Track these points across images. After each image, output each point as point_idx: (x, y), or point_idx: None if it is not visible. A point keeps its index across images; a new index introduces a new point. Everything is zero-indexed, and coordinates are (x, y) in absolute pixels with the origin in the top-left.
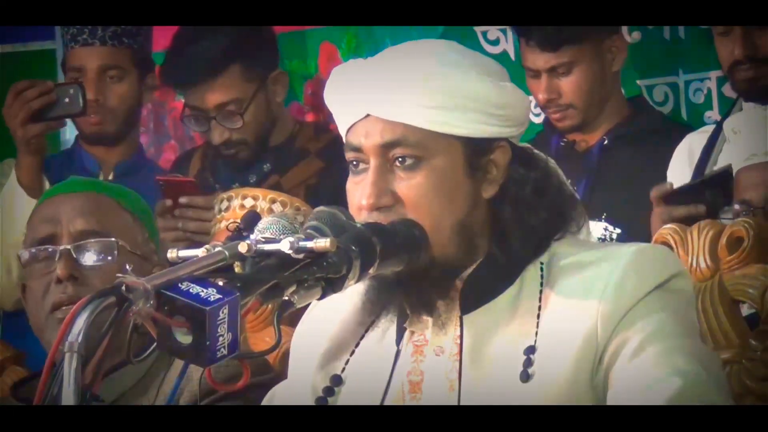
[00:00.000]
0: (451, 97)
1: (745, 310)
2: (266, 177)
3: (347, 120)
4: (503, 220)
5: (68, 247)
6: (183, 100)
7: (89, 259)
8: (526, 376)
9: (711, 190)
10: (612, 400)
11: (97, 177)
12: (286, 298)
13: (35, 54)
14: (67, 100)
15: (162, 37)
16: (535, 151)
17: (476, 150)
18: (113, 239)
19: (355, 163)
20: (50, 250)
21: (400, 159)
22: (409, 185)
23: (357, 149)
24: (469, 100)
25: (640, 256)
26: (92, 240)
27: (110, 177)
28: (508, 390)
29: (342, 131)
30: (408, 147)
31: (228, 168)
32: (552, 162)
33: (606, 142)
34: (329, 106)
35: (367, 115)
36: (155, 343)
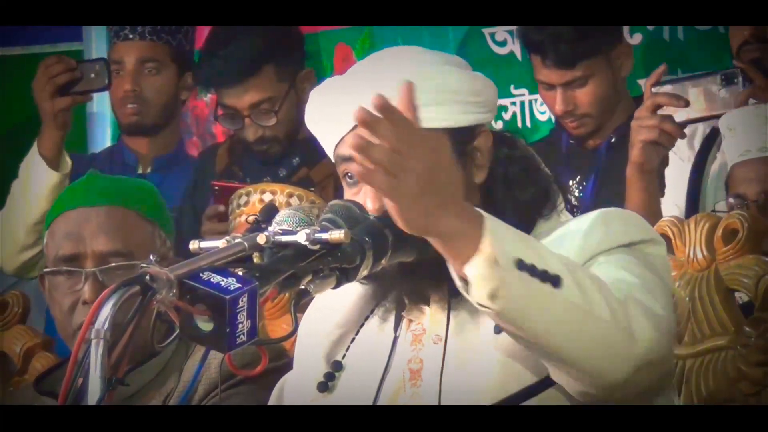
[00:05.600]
0: (431, 93)
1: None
2: (296, 170)
3: (335, 135)
4: (497, 201)
5: (95, 270)
6: (204, 99)
7: (114, 281)
8: (498, 329)
9: (696, 89)
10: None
11: (136, 170)
12: (303, 287)
13: (63, 54)
14: (93, 75)
15: (203, 38)
16: (513, 133)
17: (461, 138)
18: (136, 262)
19: (350, 175)
20: (75, 271)
21: None
22: None
23: (349, 160)
24: (451, 93)
25: (608, 214)
26: (117, 263)
27: (148, 171)
28: (485, 343)
29: (329, 149)
30: None
31: (258, 163)
32: (522, 141)
33: (613, 140)
34: (312, 129)
35: (356, 125)
36: (178, 331)
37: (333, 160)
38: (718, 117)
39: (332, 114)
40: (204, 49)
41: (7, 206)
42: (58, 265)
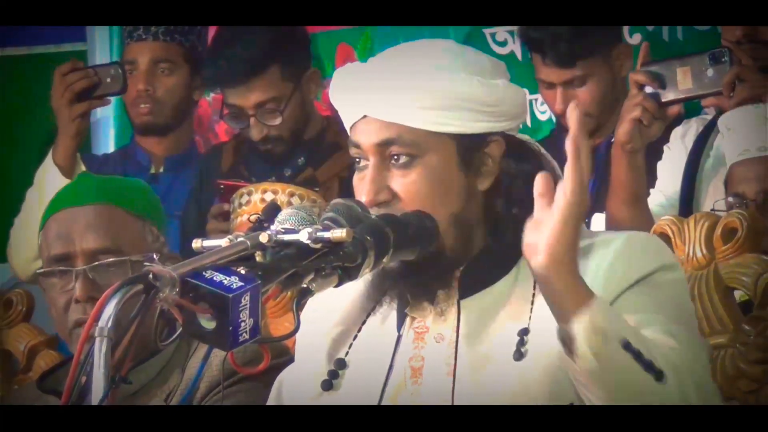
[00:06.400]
0: (441, 99)
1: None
2: (301, 170)
3: (349, 119)
4: (496, 212)
5: (84, 268)
6: (207, 98)
7: (105, 278)
8: (518, 355)
9: (684, 68)
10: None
11: (149, 170)
12: (305, 285)
13: (67, 55)
14: (108, 79)
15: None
16: (530, 143)
17: (469, 145)
18: (126, 258)
19: (357, 159)
20: (66, 270)
21: (395, 157)
22: (404, 182)
23: (357, 146)
24: (459, 100)
25: (627, 245)
26: (106, 260)
27: (160, 170)
28: (501, 368)
29: (346, 128)
30: (402, 146)
31: (263, 162)
32: (547, 155)
33: (613, 139)
34: (334, 105)
35: (365, 116)
36: (181, 329)
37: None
38: (704, 96)
39: (349, 99)
40: (210, 48)
41: (22, 214)
42: (50, 265)
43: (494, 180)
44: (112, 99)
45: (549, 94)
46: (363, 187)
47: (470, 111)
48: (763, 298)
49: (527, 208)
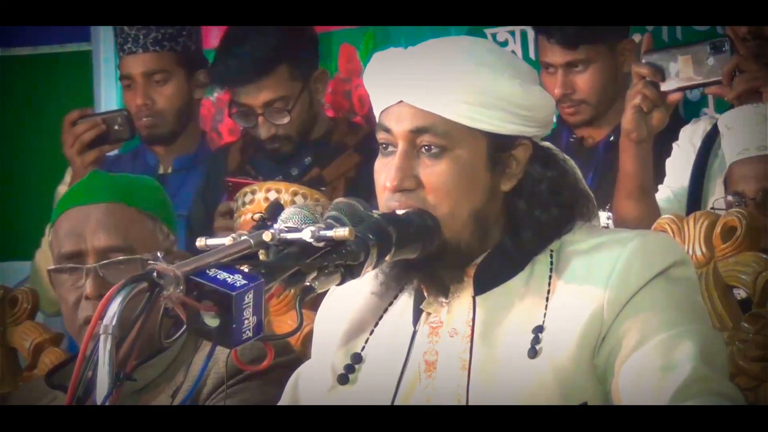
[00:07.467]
0: (481, 95)
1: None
2: (308, 170)
3: (382, 103)
4: (517, 214)
5: (95, 266)
6: (210, 98)
7: (115, 276)
8: (533, 353)
9: (684, 57)
10: (617, 389)
11: (157, 171)
12: (308, 283)
13: (71, 55)
14: (116, 127)
15: (211, 36)
16: (554, 150)
17: (499, 145)
18: (137, 256)
19: (384, 144)
20: (77, 268)
21: (426, 146)
22: (432, 172)
23: (387, 131)
24: (498, 99)
25: (643, 243)
26: (117, 258)
27: (169, 171)
28: (515, 365)
29: (376, 112)
30: (435, 136)
31: (270, 161)
32: (570, 162)
33: (612, 138)
34: (367, 88)
35: (400, 102)
36: (185, 326)
37: (377, 121)
38: (705, 85)
39: (383, 84)
40: (219, 47)
41: (41, 251)
42: (61, 262)
43: (516, 182)
44: (122, 143)
45: (549, 80)
46: (389, 173)
47: (507, 112)
48: (762, 296)
49: (549, 212)
